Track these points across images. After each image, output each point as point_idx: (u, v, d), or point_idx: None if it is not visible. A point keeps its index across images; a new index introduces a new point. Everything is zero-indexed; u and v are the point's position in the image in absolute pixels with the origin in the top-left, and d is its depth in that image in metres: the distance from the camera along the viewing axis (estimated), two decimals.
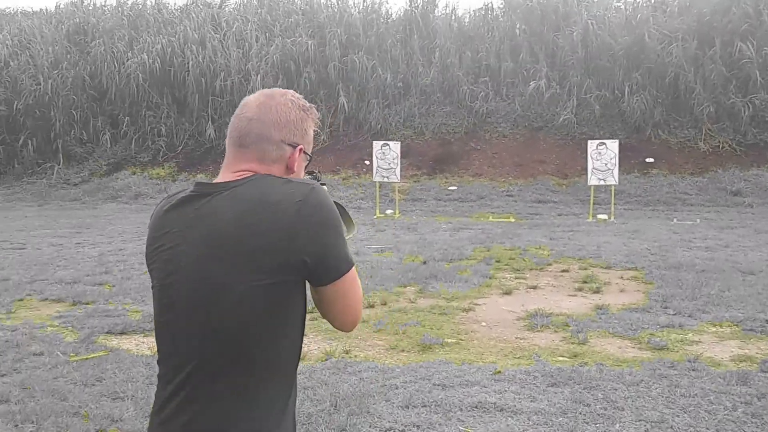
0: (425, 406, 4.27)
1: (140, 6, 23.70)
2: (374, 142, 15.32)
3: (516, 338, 5.96)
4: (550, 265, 9.33)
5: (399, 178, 15.08)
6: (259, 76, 20.29)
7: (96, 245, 11.73)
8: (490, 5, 21.99)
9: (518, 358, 5.36)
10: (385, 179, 15.01)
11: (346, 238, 1.57)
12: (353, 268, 1.53)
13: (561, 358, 5.30)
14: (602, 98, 18.70)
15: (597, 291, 7.69)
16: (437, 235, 12.12)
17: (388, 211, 15.26)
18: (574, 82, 19.18)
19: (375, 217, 14.78)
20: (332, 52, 20.59)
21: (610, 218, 13.86)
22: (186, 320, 1.49)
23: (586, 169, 14.81)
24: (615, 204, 14.58)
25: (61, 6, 24.34)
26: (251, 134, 1.58)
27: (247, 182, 1.51)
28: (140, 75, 20.60)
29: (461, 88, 19.74)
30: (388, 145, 14.95)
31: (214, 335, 1.45)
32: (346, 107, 19.96)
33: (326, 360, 5.32)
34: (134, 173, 19.80)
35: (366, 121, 19.95)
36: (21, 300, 7.64)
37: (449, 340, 5.84)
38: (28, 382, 4.81)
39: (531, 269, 9.07)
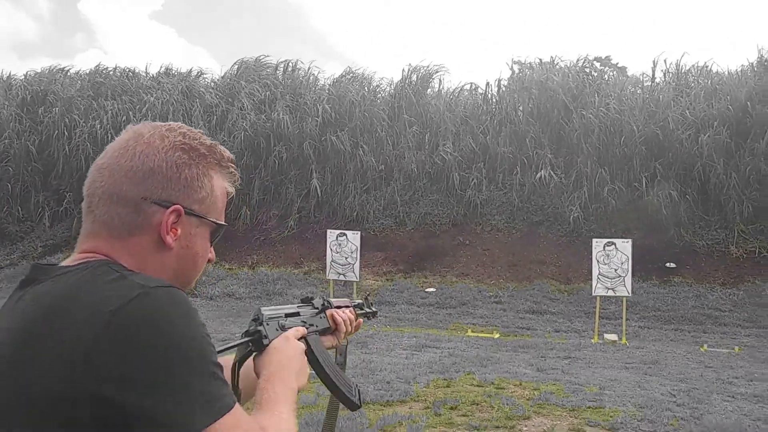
0: None
1: (112, 74, 21.60)
2: (328, 231, 12.51)
3: None
4: (527, 419, 6.29)
5: (358, 276, 12.15)
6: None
7: None
8: (489, 84, 19.62)
9: None
10: (341, 276, 12.10)
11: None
12: (219, 424, 0.90)
13: None
14: (616, 191, 15.91)
15: None
16: (389, 357, 9.12)
17: None
18: (583, 172, 16.45)
19: None
20: (309, 129, 18.16)
21: (620, 339, 10.75)
22: None
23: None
24: (628, 320, 11.48)
25: (29, 74, 22.27)
26: (98, 191, 1.04)
27: (70, 272, 0.99)
28: (90, 146, 18.22)
29: (452, 174, 17.07)
30: (345, 235, 12.13)
31: None
32: (319, 191, 17.33)
33: None
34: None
35: (341, 207, 17.27)
36: None
37: None
38: None
39: (497, 427, 6.03)
